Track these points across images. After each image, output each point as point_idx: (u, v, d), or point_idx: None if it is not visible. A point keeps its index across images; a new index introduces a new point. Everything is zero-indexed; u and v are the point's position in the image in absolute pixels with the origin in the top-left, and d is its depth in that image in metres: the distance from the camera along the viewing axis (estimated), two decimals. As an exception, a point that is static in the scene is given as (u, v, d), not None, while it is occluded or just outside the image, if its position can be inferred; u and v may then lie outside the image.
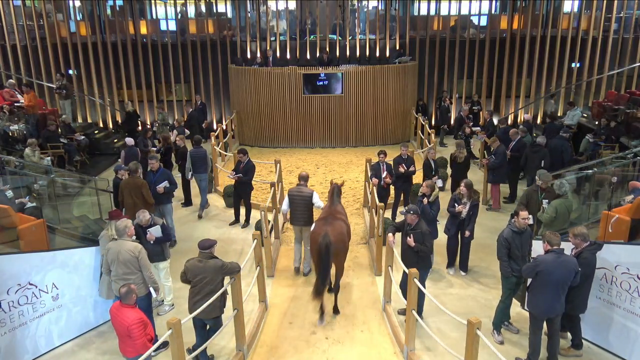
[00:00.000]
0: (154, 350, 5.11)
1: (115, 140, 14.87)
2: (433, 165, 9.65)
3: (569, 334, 5.97)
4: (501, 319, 6.15)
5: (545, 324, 5.51)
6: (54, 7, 15.93)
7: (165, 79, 16.59)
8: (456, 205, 7.44)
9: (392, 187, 9.55)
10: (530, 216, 7.84)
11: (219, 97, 16.81)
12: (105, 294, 6.24)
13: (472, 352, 4.69)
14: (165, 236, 6.67)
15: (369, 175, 9.50)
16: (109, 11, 16.93)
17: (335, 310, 6.76)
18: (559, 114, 16.61)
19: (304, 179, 7.94)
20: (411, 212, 6.25)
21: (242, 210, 9.72)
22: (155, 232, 6.56)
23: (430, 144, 11.63)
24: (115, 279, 5.76)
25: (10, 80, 13.20)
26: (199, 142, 10.21)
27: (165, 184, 8.41)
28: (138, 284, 5.69)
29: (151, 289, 5.83)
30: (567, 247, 5.58)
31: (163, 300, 6.97)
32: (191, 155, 9.96)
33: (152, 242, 6.54)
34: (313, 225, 7.07)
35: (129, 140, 10.74)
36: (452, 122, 15.68)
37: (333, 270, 6.60)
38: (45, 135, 11.96)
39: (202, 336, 5.64)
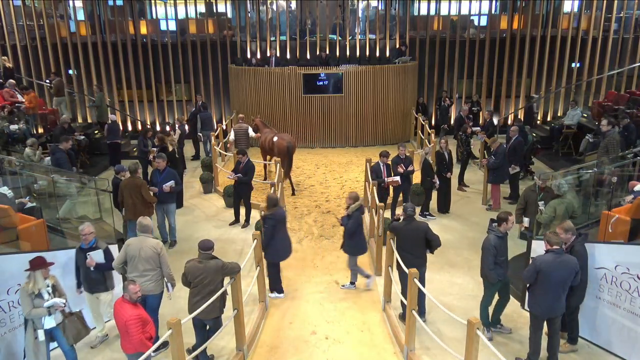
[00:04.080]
0: (154, 351, 5.11)
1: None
2: (431, 165, 9.65)
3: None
4: (486, 316, 6.15)
5: (545, 323, 5.51)
6: (54, 7, 15.93)
7: (165, 79, 16.59)
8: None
9: (391, 187, 9.56)
10: (527, 219, 7.86)
11: (219, 97, 16.82)
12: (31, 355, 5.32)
13: (472, 352, 4.69)
14: (107, 263, 5.92)
15: (371, 177, 9.47)
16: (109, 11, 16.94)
17: (293, 192, 11.19)
18: (559, 114, 16.63)
19: (242, 119, 12.44)
20: (403, 208, 6.46)
21: (242, 211, 9.73)
22: (96, 256, 5.85)
23: (430, 144, 11.63)
24: (135, 276, 5.71)
25: (10, 80, 13.20)
26: (205, 107, 14.53)
27: (172, 183, 8.41)
28: (156, 280, 5.80)
29: (168, 285, 5.95)
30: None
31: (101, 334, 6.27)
32: (200, 116, 13.66)
33: (92, 268, 5.83)
34: (275, 138, 11.11)
35: (112, 117, 13.12)
36: (451, 122, 15.67)
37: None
38: (57, 132, 11.94)
39: (202, 336, 5.64)
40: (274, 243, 6.95)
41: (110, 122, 12.93)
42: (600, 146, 8.84)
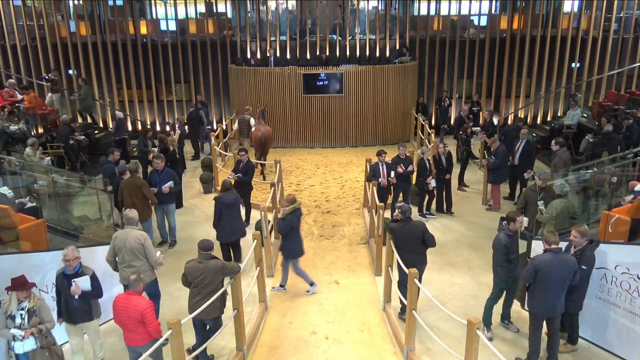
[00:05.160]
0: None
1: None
2: (427, 165, 9.65)
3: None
4: (489, 315, 6.18)
5: (545, 323, 5.51)
6: (54, 7, 15.93)
7: (165, 79, 16.58)
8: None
9: (391, 187, 9.56)
10: (526, 219, 7.86)
11: (219, 97, 16.82)
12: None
13: (472, 352, 4.69)
14: (94, 291, 5.34)
15: (368, 176, 9.49)
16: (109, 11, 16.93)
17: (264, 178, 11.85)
18: (559, 114, 16.63)
19: (247, 110, 13.09)
20: (399, 209, 6.41)
21: (242, 210, 9.71)
22: (82, 283, 5.23)
23: (430, 144, 11.63)
24: (123, 267, 5.93)
25: (10, 80, 13.21)
26: (204, 103, 14.88)
27: (171, 184, 8.41)
28: (145, 270, 5.88)
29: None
30: (565, 245, 5.60)
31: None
32: (204, 112, 14.41)
33: (77, 296, 5.20)
34: (254, 128, 12.18)
35: (119, 113, 13.58)
36: (451, 122, 15.67)
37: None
38: (64, 132, 11.97)
39: (202, 336, 5.65)
40: (220, 225, 7.52)
41: (117, 119, 13.26)
42: (552, 163, 9.24)
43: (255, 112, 12.87)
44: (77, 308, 5.29)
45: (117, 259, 6.04)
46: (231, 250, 7.78)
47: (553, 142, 9.42)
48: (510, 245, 5.87)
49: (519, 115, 15.34)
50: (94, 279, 5.34)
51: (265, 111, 13.11)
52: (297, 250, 7.23)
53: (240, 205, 7.93)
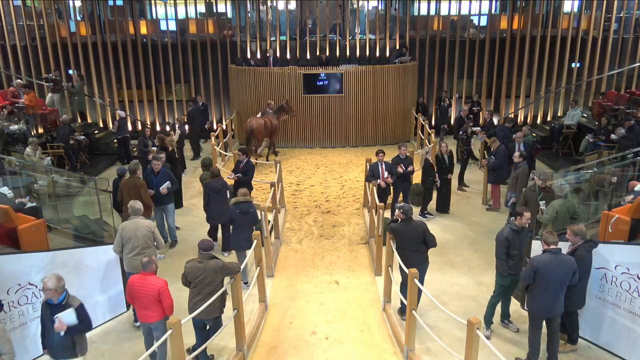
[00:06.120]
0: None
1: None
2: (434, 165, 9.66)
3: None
4: (491, 313, 6.18)
5: (544, 323, 5.51)
6: (54, 7, 15.92)
7: (165, 79, 16.58)
8: None
9: (391, 187, 9.57)
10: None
11: (219, 97, 16.82)
12: None
13: (472, 352, 4.69)
14: (81, 324, 4.63)
15: (367, 176, 9.48)
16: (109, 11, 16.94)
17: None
18: (559, 114, 16.63)
19: (269, 106, 13.64)
20: (401, 209, 6.37)
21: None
22: (66, 317, 4.51)
23: (430, 144, 11.64)
24: (132, 256, 6.18)
25: (18, 81, 13.21)
26: (195, 102, 14.82)
27: (168, 184, 8.40)
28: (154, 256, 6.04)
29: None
30: (564, 245, 5.60)
31: None
32: (198, 112, 14.31)
33: (62, 333, 4.52)
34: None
35: (121, 113, 13.79)
36: (451, 121, 15.67)
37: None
38: (63, 132, 11.99)
39: (202, 336, 5.65)
40: (209, 209, 8.19)
41: (119, 118, 13.50)
42: (511, 176, 9.28)
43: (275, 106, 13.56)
44: (58, 343, 4.64)
45: (123, 250, 6.25)
46: (220, 231, 8.57)
47: (517, 154, 9.37)
48: (512, 239, 5.88)
49: (510, 116, 15.21)
50: (81, 310, 4.65)
51: (288, 106, 13.60)
52: (237, 243, 7.35)
53: (228, 192, 8.31)
